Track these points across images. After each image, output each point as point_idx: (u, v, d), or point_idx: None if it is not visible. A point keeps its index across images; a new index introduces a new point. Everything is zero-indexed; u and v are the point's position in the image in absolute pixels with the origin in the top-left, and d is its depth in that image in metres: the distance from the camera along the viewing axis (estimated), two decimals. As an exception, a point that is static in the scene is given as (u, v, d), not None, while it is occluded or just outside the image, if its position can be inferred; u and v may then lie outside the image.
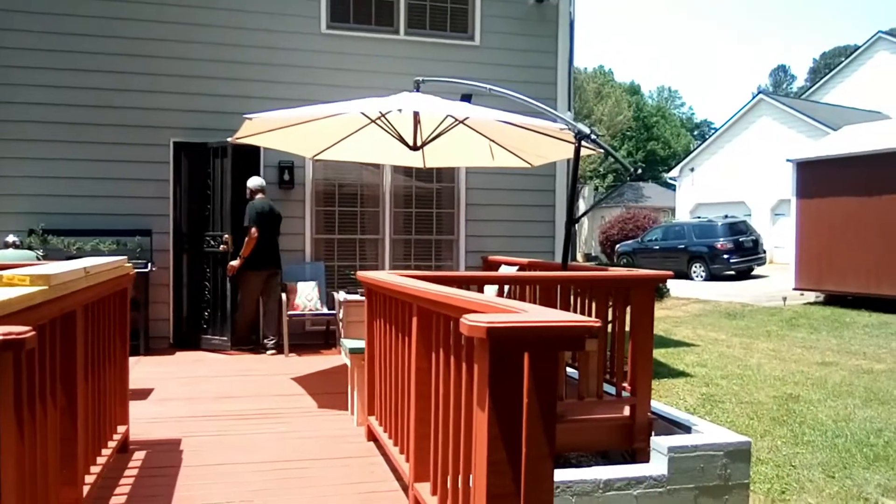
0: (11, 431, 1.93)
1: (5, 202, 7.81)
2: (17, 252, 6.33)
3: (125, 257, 4.39)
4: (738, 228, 21.77)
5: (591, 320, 2.09)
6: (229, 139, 6.45)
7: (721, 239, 21.39)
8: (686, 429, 4.79)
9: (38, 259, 6.55)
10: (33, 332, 1.81)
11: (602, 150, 5.88)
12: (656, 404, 5.17)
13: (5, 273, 2.49)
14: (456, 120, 6.30)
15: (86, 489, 3.21)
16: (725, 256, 21.22)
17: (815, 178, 15.26)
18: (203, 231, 8.23)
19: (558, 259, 8.05)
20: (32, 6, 7.87)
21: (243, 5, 8.40)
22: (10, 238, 6.48)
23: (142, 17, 8.14)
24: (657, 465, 4.29)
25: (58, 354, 2.79)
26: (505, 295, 6.16)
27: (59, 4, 7.94)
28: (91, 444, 3.44)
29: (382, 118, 6.32)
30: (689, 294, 17.53)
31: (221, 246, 7.98)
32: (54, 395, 2.71)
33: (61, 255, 7.40)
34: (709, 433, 4.60)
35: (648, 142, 53.64)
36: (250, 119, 5.69)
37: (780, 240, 26.09)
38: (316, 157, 7.57)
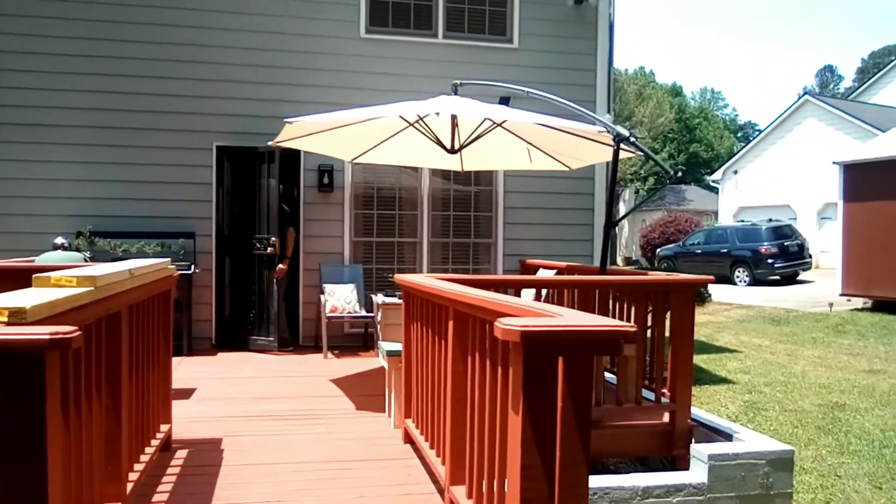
0: (58, 428, 1.98)
1: (55, 205, 8.04)
2: (65, 254, 6.49)
3: (169, 259, 4.49)
4: (782, 232, 21.33)
5: (627, 325, 2.08)
6: (270, 143, 6.54)
7: (765, 243, 20.98)
8: (727, 436, 4.70)
9: (86, 261, 6.71)
10: (80, 332, 1.86)
11: (642, 153, 5.83)
12: (697, 411, 5.10)
13: (53, 274, 2.57)
14: (494, 123, 6.30)
15: (129, 486, 3.28)
16: (770, 261, 20.80)
17: (863, 180, 14.87)
18: (245, 233, 8.37)
19: (597, 263, 7.98)
20: (75, 13, 8.09)
21: (283, 10, 8.53)
22: (59, 240, 6.65)
23: (184, 23, 8.32)
24: (697, 473, 4.22)
25: (103, 354, 2.87)
26: (542, 299, 6.13)
27: (103, 11, 8.14)
28: (135, 442, 3.52)
29: (420, 121, 6.35)
30: (731, 299, 17.23)
31: (269, 248, 8.11)
32: (99, 393, 2.79)
33: (108, 256, 7.58)
34: (751, 441, 4.51)
35: (691, 144, 52.85)
36: (290, 123, 5.77)
37: (826, 244, 25.47)
38: (355, 161, 7.63)
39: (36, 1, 8.01)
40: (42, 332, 1.78)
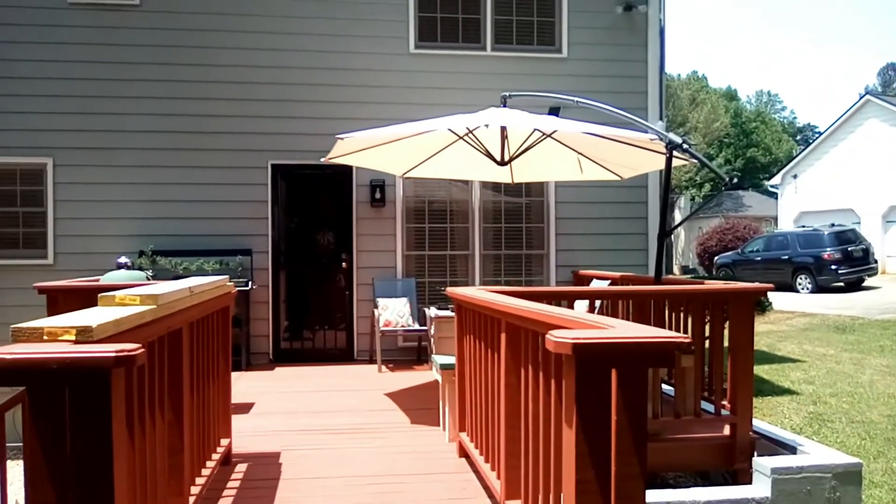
0: (123, 442, 2.05)
1: (118, 225, 8.32)
2: (128, 273, 6.71)
3: (227, 276, 4.60)
4: (846, 237, 20.63)
5: (681, 336, 2.05)
6: (322, 159, 6.65)
7: (828, 249, 20.32)
8: (791, 449, 4.57)
9: (148, 279, 6.93)
10: (143, 350, 1.92)
11: (696, 160, 5.73)
12: (759, 423, 4.96)
13: (118, 293, 2.66)
14: (543, 134, 6.29)
15: (191, 500, 3.36)
16: (833, 267, 20.13)
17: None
18: (300, 249, 8.52)
19: (652, 272, 7.86)
20: (139, 40, 8.39)
21: (334, 30, 8.69)
22: (122, 259, 6.88)
23: (238, 46, 8.55)
24: (760, 487, 4.11)
25: (165, 370, 2.95)
26: (596, 310, 6.07)
27: (164, 37, 8.44)
28: (196, 456, 3.60)
29: (470, 134, 6.38)
30: (793, 307, 16.73)
31: (343, 263, 8.31)
32: (162, 408, 2.87)
33: (169, 274, 7.80)
34: (816, 454, 4.38)
35: (748, 148, 51.67)
36: (342, 139, 5.86)
37: (892, 248, 24.57)
38: (406, 175, 7.70)
39: (96, 31, 8.35)
40: (108, 349, 1.84)
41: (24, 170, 8.30)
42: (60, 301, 5.30)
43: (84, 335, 2.02)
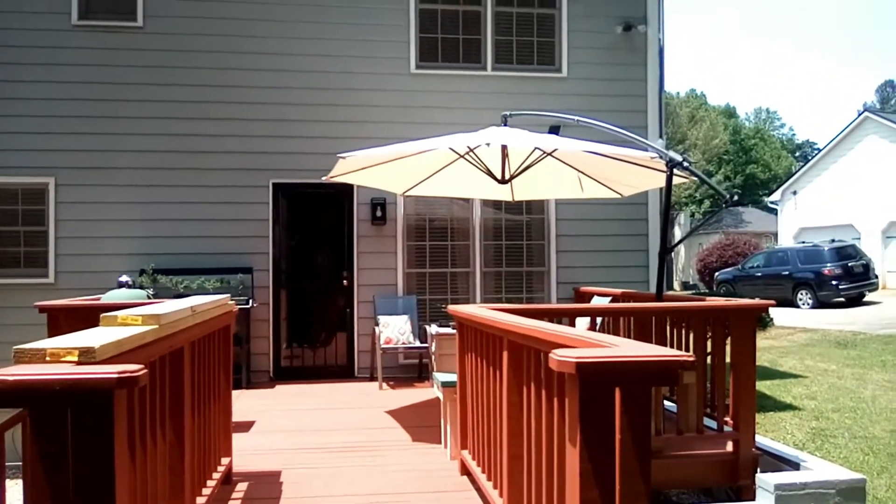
0: (125, 463, 2.05)
1: (119, 244, 8.33)
2: (129, 291, 6.72)
3: (228, 295, 4.60)
4: (846, 253, 20.65)
5: (685, 354, 2.05)
6: (324, 178, 6.67)
7: (828, 264, 20.33)
8: (794, 465, 4.55)
9: (149, 298, 6.93)
10: (146, 370, 1.92)
11: (695, 178, 5.75)
12: (762, 439, 4.95)
13: (120, 313, 2.66)
14: (544, 152, 6.31)
15: (192, 519, 3.34)
16: (834, 283, 20.13)
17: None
18: (301, 267, 8.53)
19: (653, 289, 7.86)
20: (142, 61, 8.45)
21: (334, 50, 8.74)
22: (123, 278, 6.90)
23: (242, 66, 8.60)
24: (764, 505, 4.09)
25: (167, 389, 2.95)
26: (598, 327, 6.07)
27: (167, 59, 8.49)
28: (197, 475, 3.59)
29: (471, 153, 6.41)
30: (794, 323, 16.70)
31: (344, 281, 8.30)
32: (164, 428, 2.86)
33: (170, 293, 7.80)
34: (819, 470, 4.36)
35: (747, 165, 51.82)
36: (343, 158, 5.88)
37: (893, 263, 24.56)
38: (406, 193, 7.72)
39: (100, 52, 8.40)
40: (110, 371, 1.84)
41: (26, 189, 8.33)
42: (61, 320, 5.29)
43: (86, 356, 2.03)
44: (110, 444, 1.88)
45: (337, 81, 8.74)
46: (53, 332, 5.19)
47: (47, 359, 2.02)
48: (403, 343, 8.10)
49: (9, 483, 4.02)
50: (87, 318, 5.02)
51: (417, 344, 8.17)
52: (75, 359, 2.01)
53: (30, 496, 1.87)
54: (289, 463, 4.99)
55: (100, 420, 1.86)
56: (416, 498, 4.27)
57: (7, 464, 3.78)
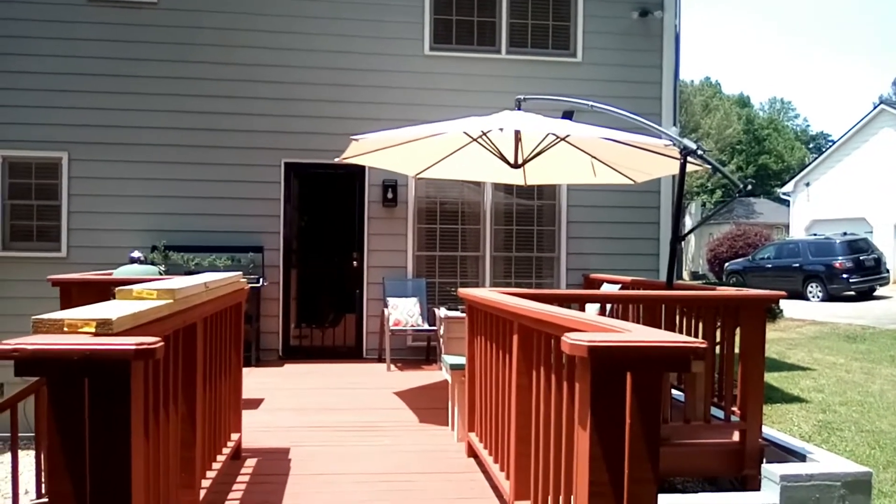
0: (140, 435, 2.07)
1: (132, 220, 8.38)
2: (141, 267, 6.75)
3: (240, 273, 4.62)
4: (858, 246, 20.50)
5: (697, 341, 2.05)
6: (336, 159, 6.66)
7: (840, 257, 20.20)
8: (800, 457, 4.55)
9: (161, 274, 6.96)
10: (162, 343, 1.95)
11: (709, 166, 5.73)
12: (768, 430, 4.95)
13: (135, 287, 2.68)
14: (557, 137, 6.29)
15: (202, 493, 3.38)
16: (844, 276, 20.02)
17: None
18: (311, 247, 8.56)
19: (663, 277, 7.85)
20: (157, 38, 8.45)
21: (349, 31, 8.72)
22: (135, 254, 6.93)
23: (253, 44, 8.59)
24: (768, 494, 4.10)
25: (180, 364, 2.98)
26: (607, 314, 6.07)
27: (182, 35, 8.49)
28: (208, 449, 3.63)
29: (484, 136, 6.39)
30: (804, 315, 16.65)
31: (354, 262, 8.35)
32: (177, 401, 2.89)
33: (181, 270, 7.85)
34: (825, 462, 4.37)
35: (760, 155, 51.43)
36: (356, 140, 5.88)
37: (905, 258, 24.38)
38: (418, 176, 7.72)
39: (114, 27, 8.41)
40: (128, 342, 1.87)
41: (40, 164, 8.37)
42: (74, 294, 5.34)
43: (104, 328, 2.05)
44: (127, 416, 1.91)
45: (351, 62, 8.72)
46: (65, 305, 5.24)
47: (65, 329, 2.05)
48: (412, 325, 8.13)
49: (21, 454, 4.08)
50: (100, 292, 5.06)
51: (426, 327, 8.20)
52: (93, 330, 2.03)
53: (48, 466, 1.90)
54: (297, 441, 5.03)
55: (117, 391, 1.89)
56: (423, 478, 4.31)
57: (19, 434, 3.84)
